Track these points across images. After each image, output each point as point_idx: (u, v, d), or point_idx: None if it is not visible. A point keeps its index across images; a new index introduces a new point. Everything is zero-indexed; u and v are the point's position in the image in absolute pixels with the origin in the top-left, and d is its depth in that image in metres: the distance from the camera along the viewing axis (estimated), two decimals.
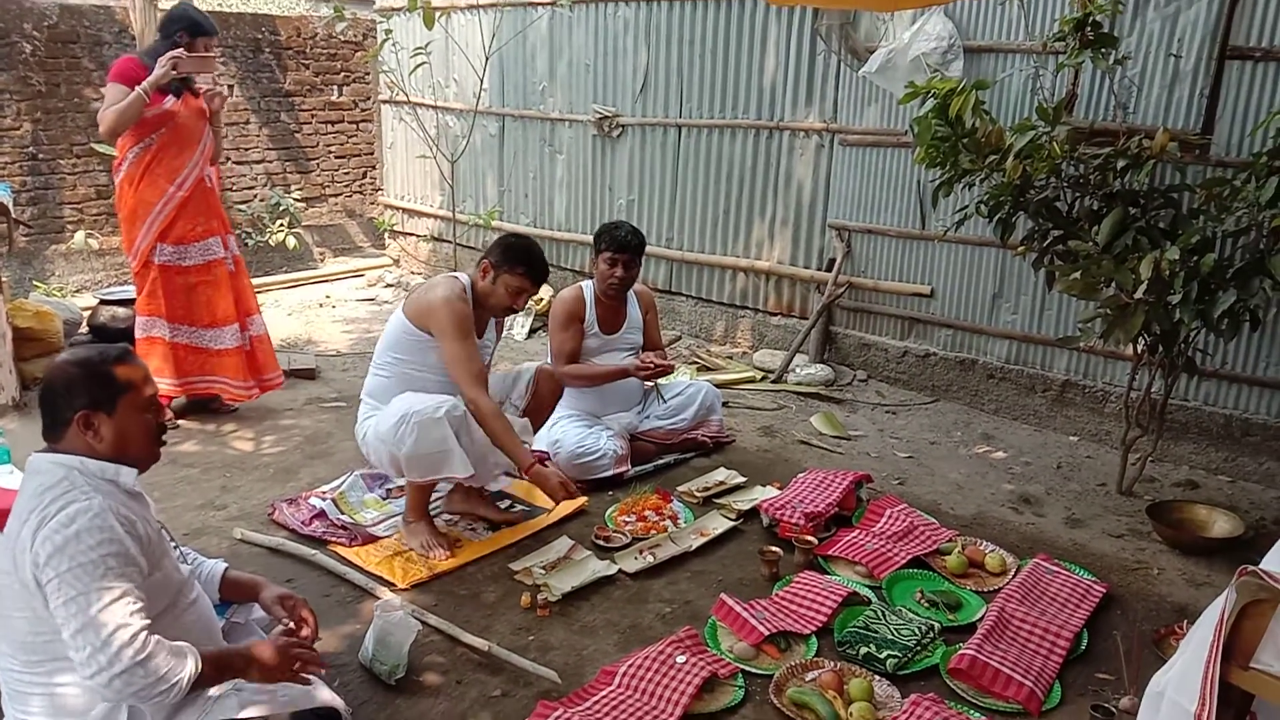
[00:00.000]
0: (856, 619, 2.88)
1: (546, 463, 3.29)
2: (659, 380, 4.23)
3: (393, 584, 3.08)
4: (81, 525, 1.87)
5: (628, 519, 3.58)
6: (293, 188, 8.08)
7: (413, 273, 7.84)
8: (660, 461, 4.13)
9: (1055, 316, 4.63)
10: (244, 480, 3.90)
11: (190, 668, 1.91)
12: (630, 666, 2.60)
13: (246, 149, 7.75)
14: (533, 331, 6.30)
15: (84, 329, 5.41)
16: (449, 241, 7.18)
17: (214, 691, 2.02)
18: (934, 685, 2.65)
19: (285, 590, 2.45)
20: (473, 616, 2.94)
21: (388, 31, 6.58)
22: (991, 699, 2.58)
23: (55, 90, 6.54)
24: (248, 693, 2.04)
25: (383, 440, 3.21)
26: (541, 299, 6.25)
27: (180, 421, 4.44)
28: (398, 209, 7.98)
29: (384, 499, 3.67)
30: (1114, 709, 2.51)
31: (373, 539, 3.37)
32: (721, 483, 3.91)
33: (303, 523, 3.45)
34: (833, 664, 2.68)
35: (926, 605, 3.04)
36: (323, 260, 8.22)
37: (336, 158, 8.41)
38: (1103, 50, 3.81)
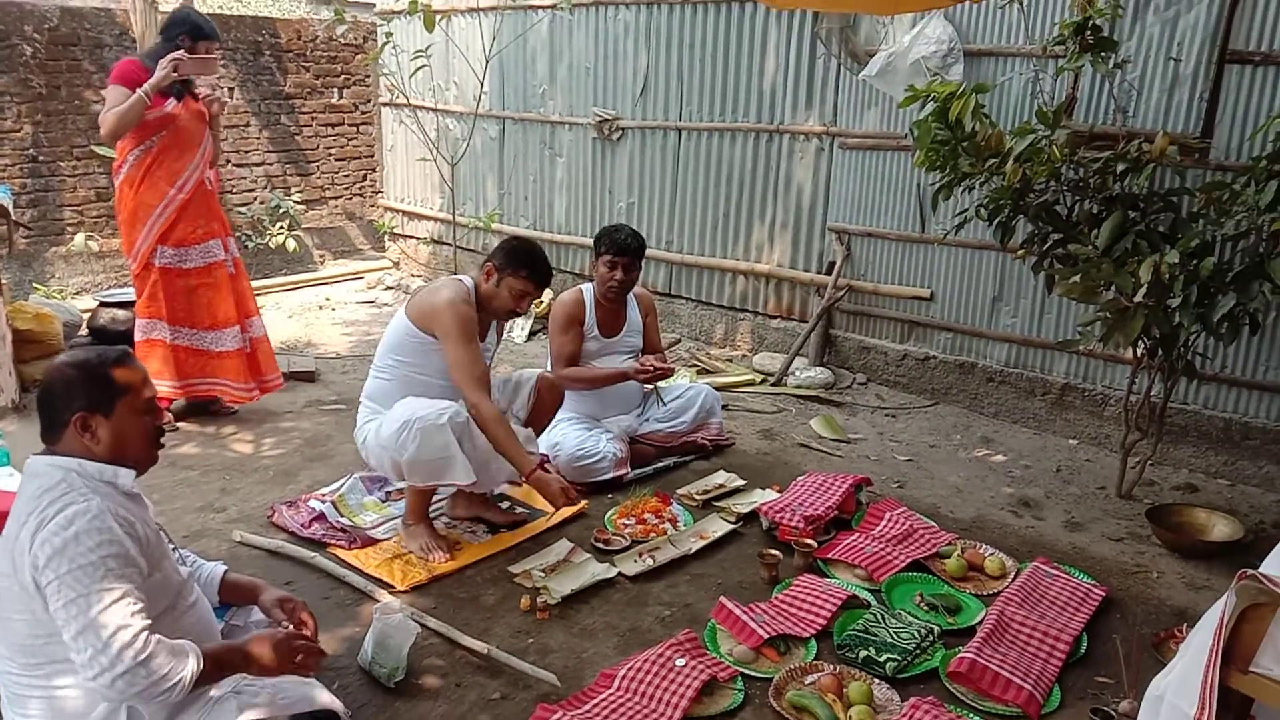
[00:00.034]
0: (856, 622, 2.88)
1: (547, 466, 3.29)
2: (658, 383, 4.23)
3: (392, 586, 3.08)
4: (80, 527, 1.87)
5: (627, 522, 3.58)
6: (293, 190, 8.08)
7: (413, 275, 7.84)
8: (660, 464, 4.13)
9: (1055, 320, 4.63)
10: (243, 483, 3.90)
11: (192, 666, 1.91)
12: (630, 669, 2.60)
13: (246, 151, 7.75)
14: (532, 334, 6.30)
15: (84, 331, 5.41)
16: (449, 244, 7.19)
17: (215, 692, 2.03)
18: (933, 688, 2.65)
19: (284, 593, 2.45)
20: (472, 619, 2.93)
21: (388, 34, 6.59)
22: (991, 702, 2.58)
23: (56, 93, 6.54)
24: (246, 695, 2.04)
25: (384, 446, 3.20)
26: (542, 301, 6.25)
27: (180, 424, 4.44)
28: (398, 212, 7.99)
29: (383, 502, 3.66)
30: (1113, 712, 2.51)
31: (372, 541, 3.37)
32: (721, 486, 3.91)
33: (302, 525, 3.45)
34: (832, 667, 2.68)
35: (926, 608, 3.04)
36: (322, 263, 8.22)
37: (336, 160, 8.41)
38: (1102, 54, 3.81)
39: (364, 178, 8.63)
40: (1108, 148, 3.82)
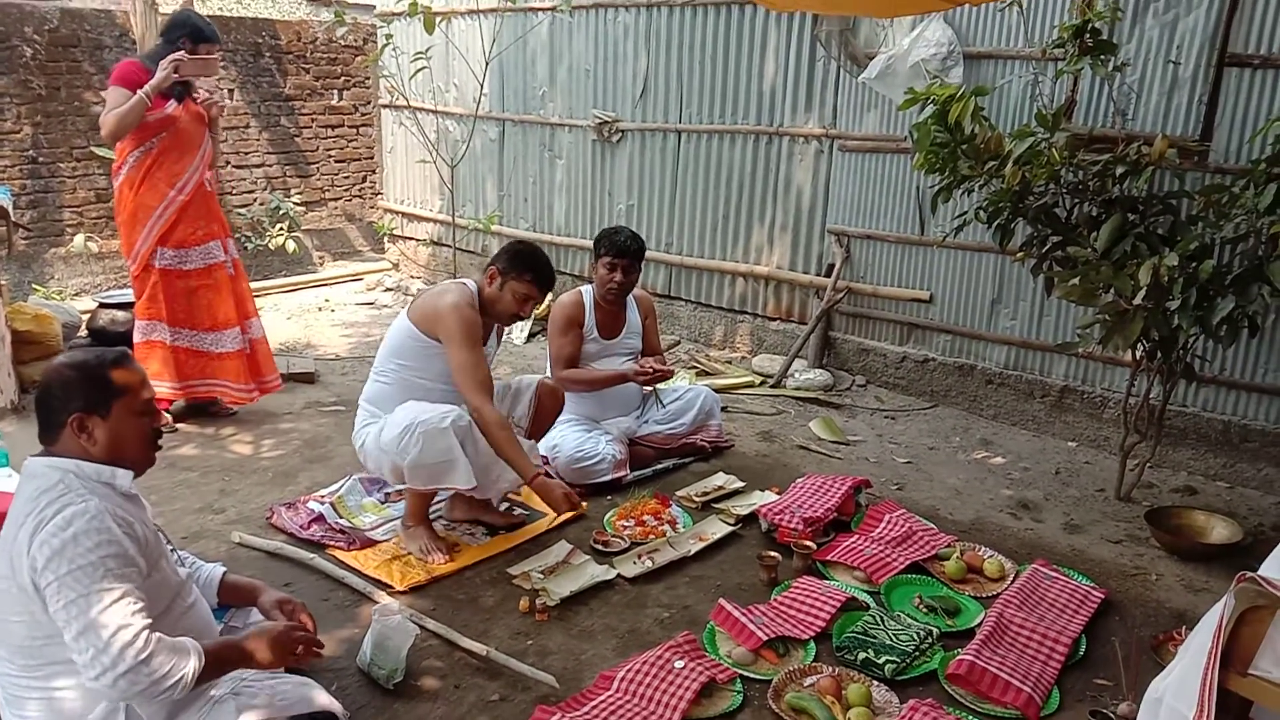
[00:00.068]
0: (855, 624, 2.88)
1: (547, 469, 3.29)
2: (658, 385, 4.23)
3: (391, 588, 3.08)
4: (79, 528, 1.87)
5: (626, 524, 3.58)
6: (292, 192, 8.08)
7: (412, 277, 7.84)
8: (659, 466, 4.14)
9: (1054, 322, 4.63)
10: (242, 484, 3.89)
11: (194, 663, 1.92)
12: (628, 671, 2.60)
13: (246, 153, 7.76)
14: (532, 336, 6.30)
15: (83, 332, 5.41)
16: (448, 246, 7.19)
17: (214, 692, 2.03)
18: (932, 690, 2.65)
19: (284, 594, 2.46)
20: (471, 621, 2.93)
21: (388, 36, 6.60)
22: (990, 704, 2.58)
23: (55, 94, 6.55)
24: (245, 697, 2.04)
25: (385, 450, 3.19)
26: (541, 304, 6.25)
27: (179, 425, 4.44)
28: (397, 213, 7.99)
29: (382, 503, 3.66)
30: (1112, 715, 2.52)
31: (371, 543, 3.37)
32: (720, 488, 3.91)
33: (301, 527, 3.45)
34: (831, 669, 2.68)
35: (925, 610, 3.04)
36: (322, 264, 8.22)
37: (336, 162, 8.41)
38: (1102, 57, 3.82)
39: (364, 179, 8.63)
40: (1107, 150, 3.82)
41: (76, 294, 6.68)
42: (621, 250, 4.00)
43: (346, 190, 8.54)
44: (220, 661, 2.01)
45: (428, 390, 3.29)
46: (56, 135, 6.60)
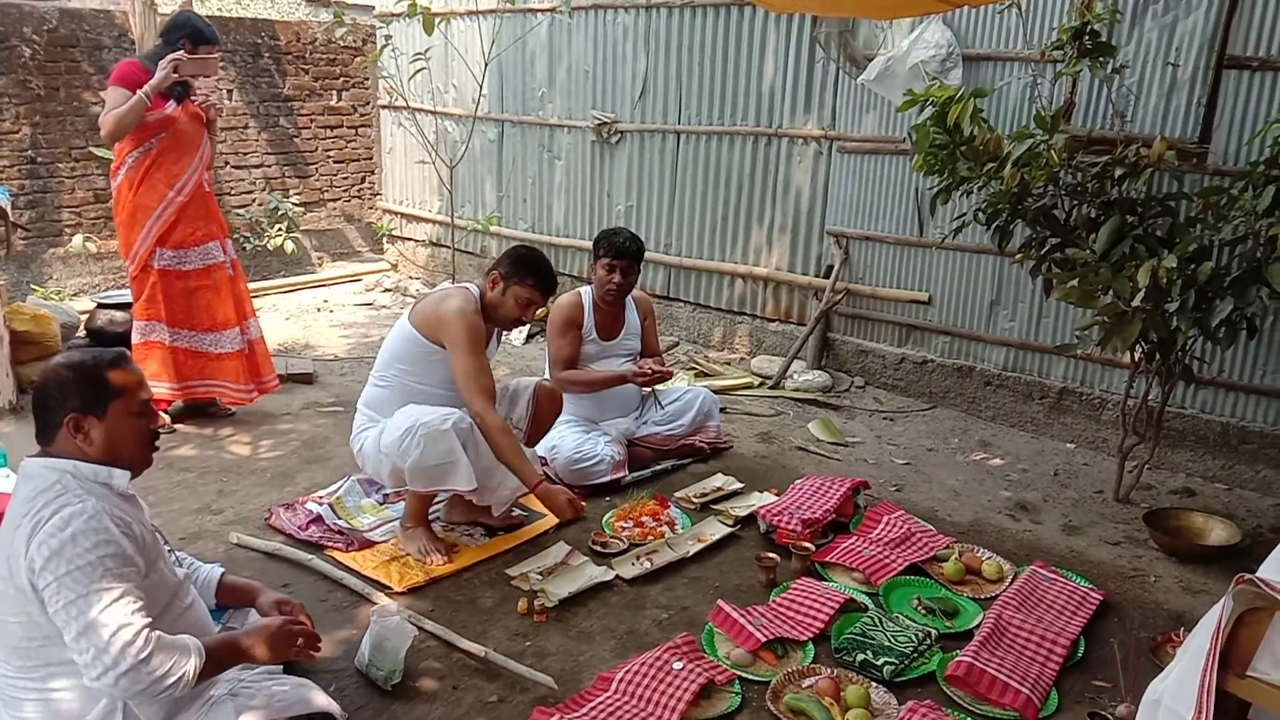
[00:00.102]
0: (853, 626, 2.88)
1: (545, 469, 3.28)
2: (657, 386, 4.23)
3: (389, 589, 3.08)
4: (77, 528, 1.87)
5: (625, 525, 3.58)
6: (291, 192, 8.08)
7: (411, 277, 7.84)
8: (658, 467, 4.13)
9: (1053, 324, 4.64)
10: (241, 485, 3.89)
11: (194, 661, 1.92)
12: (627, 673, 2.60)
13: (245, 153, 7.75)
14: (530, 337, 6.30)
15: (81, 333, 5.40)
16: (447, 247, 7.19)
17: (213, 692, 2.03)
18: (931, 692, 2.65)
19: (282, 595, 2.46)
20: (469, 622, 2.93)
21: (387, 37, 6.60)
22: (988, 706, 2.58)
23: (54, 94, 6.54)
24: (244, 698, 2.04)
25: (385, 453, 3.18)
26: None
27: (177, 426, 4.43)
28: (396, 214, 7.99)
29: (381, 504, 3.66)
30: (1111, 716, 2.52)
31: (369, 544, 3.37)
32: (719, 489, 3.91)
33: (299, 528, 3.44)
34: (829, 671, 2.68)
35: (923, 612, 3.04)
36: (321, 265, 8.22)
37: (335, 162, 8.41)
38: (1101, 59, 3.83)
39: (362, 180, 8.63)
40: (1106, 152, 3.83)
41: (75, 294, 6.68)
42: (620, 251, 4.00)
43: (345, 191, 8.54)
44: (219, 659, 2.01)
45: (427, 395, 3.28)
46: (55, 135, 6.59)
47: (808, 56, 5.28)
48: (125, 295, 5.03)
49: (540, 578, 3.15)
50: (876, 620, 2.91)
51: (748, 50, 5.50)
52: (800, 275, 5.58)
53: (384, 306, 7.10)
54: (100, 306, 5.37)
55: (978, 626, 2.91)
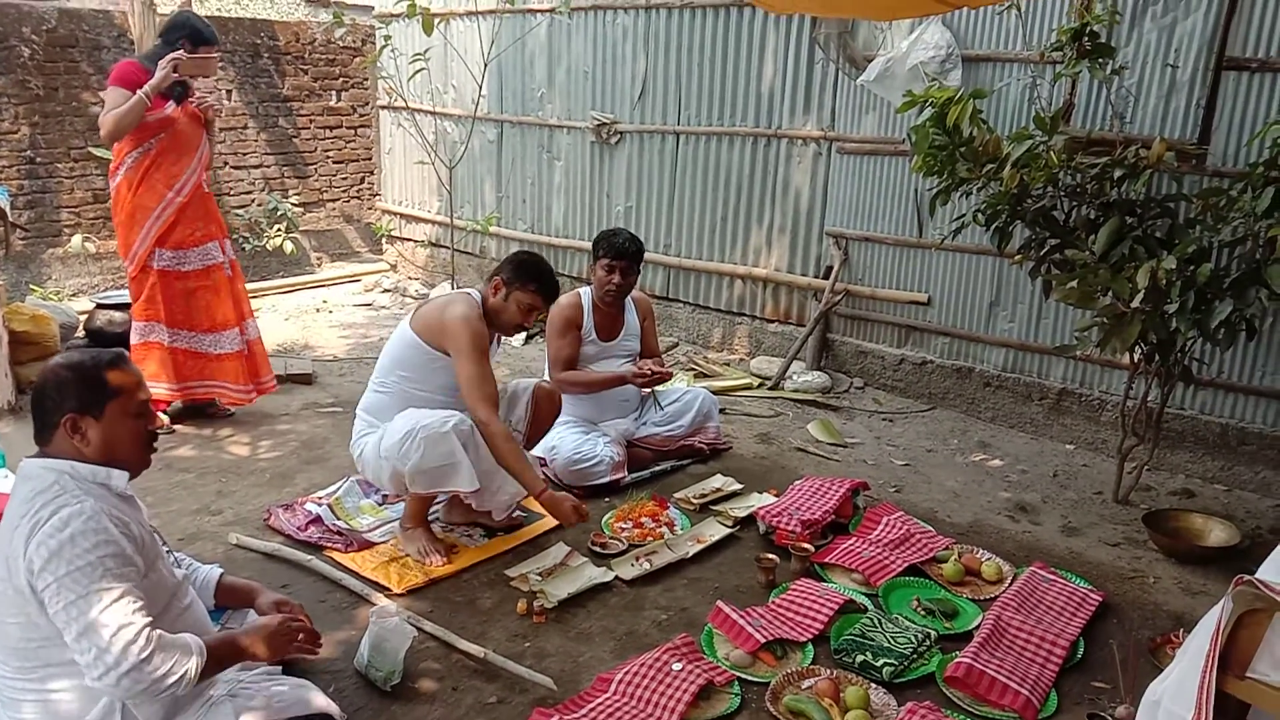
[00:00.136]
0: (853, 627, 2.88)
1: (545, 469, 3.28)
2: (656, 387, 4.23)
3: (388, 590, 3.08)
4: (76, 528, 1.87)
5: (624, 525, 3.58)
6: (290, 193, 8.08)
7: (410, 278, 7.84)
8: (657, 468, 4.13)
9: (1052, 325, 4.64)
10: (240, 485, 3.89)
11: (196, 660, 1.92)
12: (626, 674, 2.60)
13: (244, 154, 7.75)
14: (530, 337, 6.30)
15: (80, 333, 5.40)
16: (446, 247, 7.19)
17: (212, 692, 2.03)
18: (930, 693, 2.64)
19: (281, 596, 2.46)
20: (468, 623, 2.93)
21: (386, 37, 6.59)
22: (988, 707, 2.58)
23: (53, 94, 6.54)
24: (243, 699, 2.04)
25: (386, 457, 3.18)
26: None
27: (176, 426, 4.43)
28: (395, 214, 7.99)
29: (380, 505, 3.65)
30: (1110, 717, 2.52)
31: (368, 545, 3.36)
32: (718, 490, 3.91)
33: (298, 528, 3.44)
34: (829, 672, 2.68)
35: (923, 613, 3.04)
36: (320, 265, 8.22)
37: (334, 163, 8.41)
38: (1100, 60, 3.83)
39: (362, 180, 8.63)
40: (1105, 153, 3.83)
41: (74, 295, 6.67)
42: (620, 252, 4.00)
43: (344, 191, 8.54)
44: (219, 658, 2.01)
45: (427, 401, 3.27)
46: (54, 136, 6.59)
47: (807, 57, 5.28)
48: (124, 296, 5.02)
49: (539, 579, 3.14)
50: (876, 621, 2.91)
51: (747, 51, 5.50)
52: (799, 276, 5.58)
53: (383, 307, 7.10)
54: (99, 307, 5.36)
55: (977, 628, 2.91)
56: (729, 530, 3.56)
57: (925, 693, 2.65)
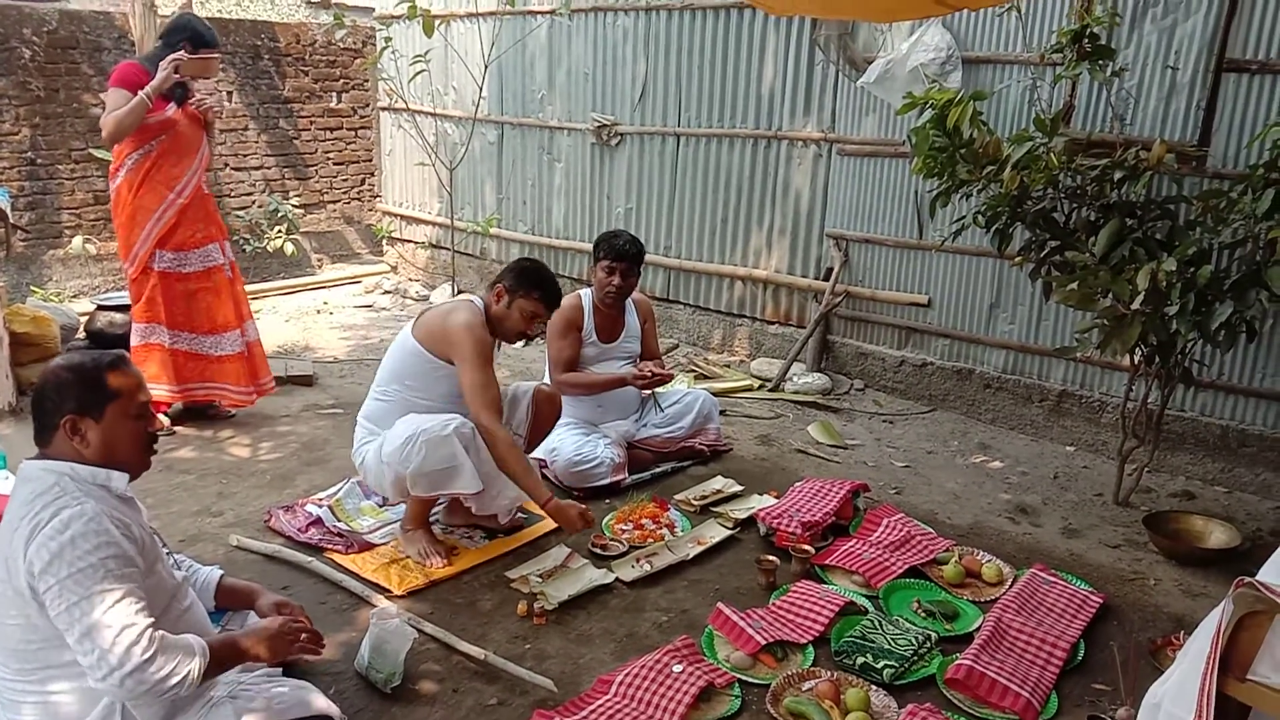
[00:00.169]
0: (853, 628, 2.88)
1: (545, 470, 3.28)
2: (656, 389, 4.23)
3: (389, 591, 3.08)
4: (76, 530, 1.87)
5: (625, 527, 3.58)
6: (291, 194, 8.08)
7: (411, 279, 7.84)
8: (658, 470, 4.13)
9: (1052, 327, 4.64)
10: (240, 487, 3.89)
11: (199, 661, 1.92)
12: (627, 675, 2.60)
13: (245, 155, 7.75)
14: (529, 339, 6.28)
15: (81, 334, 5.40)
16: (447, 249, 7.19)
17: (213, 694, 2.03)
18: (931, 695, 2.64)
19: (281, 597, 2.46)
20: (469, 624, 2.93)
21: (387, 39, 6.60)
22: (988, 709, 2.58)
23: (54, 96, 6.54)
24: (243, 700, 2.04)
25: (387, 462, 3.17)
26: None
27: (176, 428, 4.43)
28: (396, 216, 7.99)
29: (380, 506, 3.65)
30: (1110, 719, 2.52)
31: (369, 546, 3.36)
32: (719, 491, 3.91)
33: (299, 530, 3.44)
34: (829, 674, 2.68)
35: (923, 615, 3.04)
36: (320, 267, 8.22)
37: (335, 164, 8.41)
38: (1100, 62, 3.83)
39: (362, 182, 8.63)
40: (1105, 155, 3.83)
41: (75, 296, 6.68)
42: (620, 254, 4.00)
43: (345, 193, 8.54)
44: (220, 659, 2.01)
45: (429, 409, 3.25)
46: (55, 137, 6.59)
47: (807, 59, 5.29)
48: (125, 297, 5.02)
49: (540, 580, 3.14)
50: (876, 623, 2.90)
51: (747, 53, 5.51)
52: (800, 278, 5.58)
53: (384, 308, 7.10)
54: (100, 308, 5.37)
55: (978, 629, 2.91)
56: (729, 532, 3.56)
57: (926, 695, 2.65)
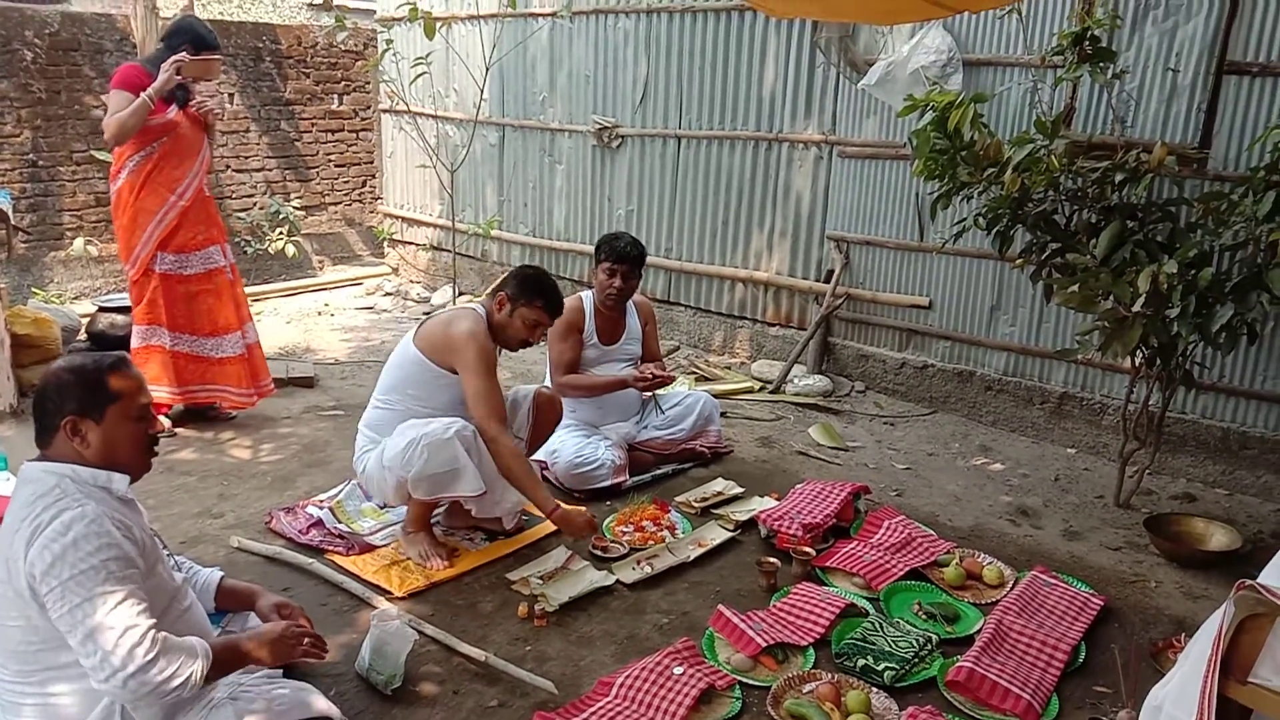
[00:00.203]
0: (854, 631, 2.88)
1: (546, 472, 3.28)
2: (657, 391, 4.23)
3: (389, 593, 3.08)
4: (78, 532, 1.87)
5: (625, 529, 3.57)
6: (292, 196, 8.09)
7: (412, 281, 7.84)
8: (658, 472, 4.13)
9: (1053, 329, 4.64)
10: (241, 488, 3.89)
11: (202, 663, 1.92)
12: (627, 678, 2.60)
13: (246, 157, 7.76)
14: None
15: (82, 336, 5.40)
16: (448, 251, 7.19)
17: (213, 695, 2.03)
18: (931, 697, 2.64)
19: (282, 599, 2.45)
20: (470, 626, 2.93)
21: (388, 41, 6.60)
22: (989, 711, 2.57)
23: (56, 98, 6.55)
24: (243, 701, 2.04)
25: (389, 467, 3.17)
26: None
27: (177, 429, 4.43)
28: (397, 218, 8.00)
29: (381, 508, 3.65)
30: None
31: (370, 548, 3.36)
32: (719, 493, 3.91)
33: (300, 531, 3.44)
34: (830, 676, 2.68)
35: (924, 617, 3.03)
36: (322, 268, 8.23)
37: (336, 166, 8.42)
38: (1101, 64, 3.83)
39: (363, 184, 8.64)
40: (1106, 157, 3.83)
41: (76, 297, 6.69)
42: (621, 256, 4.00)
43: (346, 195, 8.55)
44: (222, 662, 2.01)
45: (430, 417, 3.24)
46: (56, 139, 6.60)
47: (808, 61, 5.29)
48: (126, 298, 5.03)
49: (541, 582, 3.14)
50: (877, 625, 2.90)
51: (748, 55, 5.51)
52: (801, 280, 5.58)
53: (385, 310, 7.11)
54: (101, 310, 5.37)
55: (978, 632, 2.91)
56: (730, 534, 3.56)
57: (926, 697, 2.64)
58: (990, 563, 3.37)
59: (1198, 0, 3.97)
